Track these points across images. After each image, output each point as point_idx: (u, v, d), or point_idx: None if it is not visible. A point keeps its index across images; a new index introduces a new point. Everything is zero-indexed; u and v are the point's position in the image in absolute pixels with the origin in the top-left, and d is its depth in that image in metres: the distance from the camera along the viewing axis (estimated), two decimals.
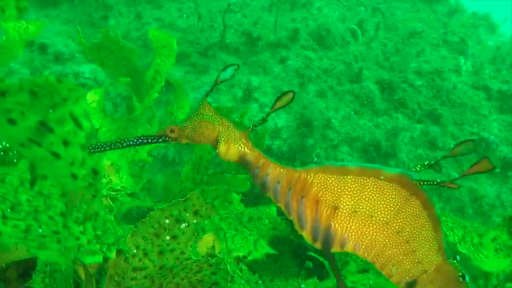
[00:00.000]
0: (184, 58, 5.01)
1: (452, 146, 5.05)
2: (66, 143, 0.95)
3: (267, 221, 2.23)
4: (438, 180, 1.56)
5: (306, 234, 1.67)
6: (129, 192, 2.61)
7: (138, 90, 3.22)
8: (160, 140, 1.69)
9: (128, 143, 1.68)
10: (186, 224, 1.66)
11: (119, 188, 2.57)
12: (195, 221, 1.70)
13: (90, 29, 5.44)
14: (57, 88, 0.88)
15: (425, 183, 1.57)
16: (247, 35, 5.07)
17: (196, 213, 1.66)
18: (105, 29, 3.13)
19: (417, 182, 1.56)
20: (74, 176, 1.02)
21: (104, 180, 2.61)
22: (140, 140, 1.69)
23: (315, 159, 4.49)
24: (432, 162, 1.60)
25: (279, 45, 5.07)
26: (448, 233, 2.22)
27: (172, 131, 1.69)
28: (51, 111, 0.92)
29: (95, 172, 1.03)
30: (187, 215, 1.67)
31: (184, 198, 1.60)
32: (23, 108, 0.90)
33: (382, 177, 1.53)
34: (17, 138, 0.93)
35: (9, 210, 1.31)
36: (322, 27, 5.12)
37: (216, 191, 2.21)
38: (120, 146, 1.66)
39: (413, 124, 4.88)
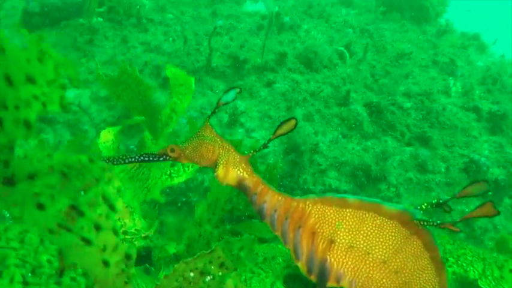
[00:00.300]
0: (168, 81, 5.00)
1: (442, 169, 5.05)
2: (98, 228, 0.91)
3: (280, 259, 2.21)
4: (438, 222, 1.54)
5: (302, 266, 1.66)
6: (143, 235, 2.60)
7: (153, 127, 3.24)
8: (161, 158, 1.72)
9: (129, 159, 1.69)
10: (211, 277, 1.62)
11: (133, 231, 2.55)
12: (220, 273, 1.66)
13: (76, 53, 5.45)
14: (90, 168, 0.85)
15: (426, 223, 1.54)
16: (234, 58, 5.09)
17: (221, 265, 1.62)
18: (124, 63, 3.16)
19: (419, 222, 1.53)
20: (106, 263, 0.96)
21: (118, 224, 2.62)
22: (142, 157, 1.71)
23: (303, 184, 4.47)
24: (441, 201, 1.55)
25: (266, 68, 5.08)
26: (468, 269, 2.19)
27: (172, 150, 1.72)
28: (82, 193, 0.88)
29: (128, 257, 0.99)
30: (213, 267, 1.63)
31: (209, 251, 1.57)
32: (52, 192, 0.86)
33: (382, 213, 1.52)
34: (45, 224, 0.88)
35: (29, 275, 1.24)
36: (310, 49, 5.14)
37: (241, 242, 2.18)
38: (122, 162, 1.68)
39: (403, 147, 4.88)
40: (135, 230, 2.54)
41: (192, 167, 2.93)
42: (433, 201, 1.57)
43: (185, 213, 4.10)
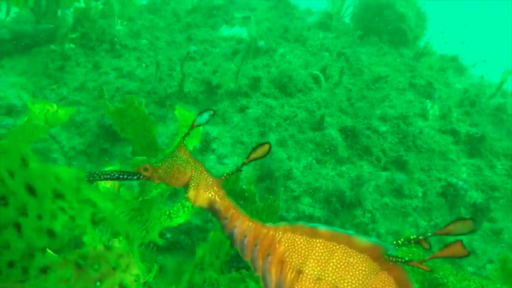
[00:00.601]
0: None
1: (419, 194, 5.03)
2: None
3: None
4: (406, 258, 1.50)
5: None
6: (142, 281, 2.56)
7: None
8: (135, 177, 1.71)
9: (104, 176, 1.69)
10: None
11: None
12: None
13: (46, 81, 5.43)
14: (106, 257, 0.82)
15: (394, 259, 1.51)
16: (207, 83, 5.09)
17: None
18: (131, 96, 3.14)
19: (389, 257, 1.49)
20: None
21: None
22: (116, 175, 1.70)
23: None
24: (420, 237, 1.52)
25: (239, 93, 5.09)
26: None
27: (146, 169, 1.71)
28: (98, 284, 0.84)
29: None
30: None
31: None
32: (66, 286, 0.82)
33: (353, 246, 1.49)
34: None
35: None
36: (284, 73, 5.16)
37: None
38: (97, 178, 1.67)
39: (379, 172, 4.87)
40: (135, 275, 2.52)
41: (191, 207, 2.91)
42: (412, 237, 1.53)
43: (184, 255, 4.04)
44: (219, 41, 6.00)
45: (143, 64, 5.56)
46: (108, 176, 1.69)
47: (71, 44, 5.73)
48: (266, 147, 1.67)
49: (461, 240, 1.40)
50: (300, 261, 1.56)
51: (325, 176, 4.64)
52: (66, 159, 4.86)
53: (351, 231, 1.50)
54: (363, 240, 1.47)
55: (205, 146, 4.67)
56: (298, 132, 4.85)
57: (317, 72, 5.37)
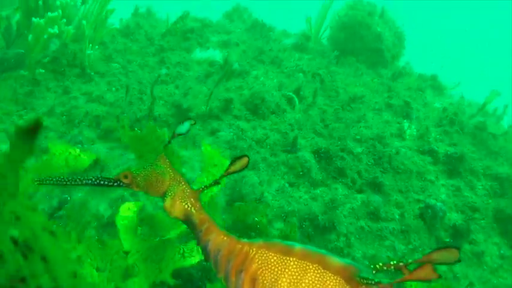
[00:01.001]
0: (109, 133, 4.95)
1: (397, 216, 4.97)
2: None
3: None
4: (376, 280, 1.48)
5: None
6: None
7: None
8: (116, 184, 1.78)
9: (81, 182, 1.74)
10: None
11: None
12: None
13: (14, 106, 5.39)
14: None
15: (366, 281, 1.48)
16: (177, 106, 5.07)
17: None
18: (153, 124, 3.11)
19: (361, 279, 1.48)
20: None
21: None
22: (97, 181, 1.77)
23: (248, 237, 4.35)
24: (401, 264, 1.47)
25: (211, 116, 5.07)
26: None
27: (126, 177, 1.78)
28: None
29: None
30: None
31: None
32: None
33: (326, 266, 1.49)
34: None
35: None
36: (256, 95, 5.15)
37: None
38: (79, 183, 1.73)
39: (354, 194, 4.82)
40: None
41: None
42: (392, 262, 1.50)
43: None
44: (192, 64, 6.01)
45: (113, 88, 5.54)
46: (90, 182, 1.75)
47: (40, 69, 5.71)
48: (245, 160, 1.74)
49: (431, 264, 1.37)
50: (273, 279, 1.55)
51: (298, 199, 4.59)
52: None
53: (324, 251, 1.51)
54: (336, 261, 1.48)
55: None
56: (270, 155, 4.82)
57: (291, 94, 5.37)
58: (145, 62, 5.98)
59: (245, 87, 5.45)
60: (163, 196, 1.79)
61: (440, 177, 5.39)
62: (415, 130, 5.57)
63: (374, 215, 4.74)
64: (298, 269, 1.52)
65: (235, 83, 5.54)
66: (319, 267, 1.50)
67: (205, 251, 1.73)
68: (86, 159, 3.02)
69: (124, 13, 7.24)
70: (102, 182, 1.77)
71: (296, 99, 5.32)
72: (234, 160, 1.73)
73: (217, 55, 6.00)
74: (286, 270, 1.53)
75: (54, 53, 5.81)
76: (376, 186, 4.91)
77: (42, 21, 5.53)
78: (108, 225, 4.08)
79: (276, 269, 1.55)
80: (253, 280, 1.59)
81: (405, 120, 5.67)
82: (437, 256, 1.40)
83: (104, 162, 4.59)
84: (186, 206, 1.75)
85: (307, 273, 1.51)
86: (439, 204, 4.97)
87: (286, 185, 4.68)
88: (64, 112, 5.21)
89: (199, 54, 6.09)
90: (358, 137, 5.19)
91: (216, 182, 1.78)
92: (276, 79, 5.75)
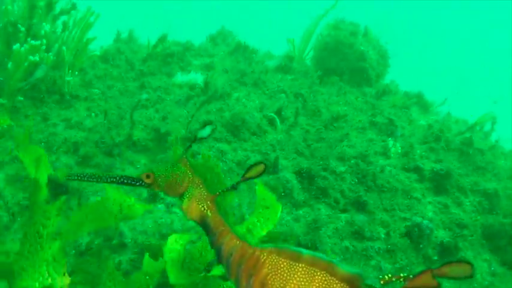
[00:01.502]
0: (88, 159, 4.98)
1: (382, 235, 4.99)
2: None
3: None
4: None
5: None
6: None
7: None
8: (138, 183, 1.86)
9: (106, 179, 1.84)
10: None
11: None
12: None
13: None
14: None
15: None
16: (156, 130, 5.12)
17: None
18: (208, 154, 3.14)
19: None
20: None
21: None
22: (120, 179, 1.85)
23: None
24: (411, 276, 1.50)
25: (191, 139, 5.09)
26: None
27: (148, 177, 1.86)
28: None
29: None
30: None
31: None
32: None
33: (334, 274, 1.54)
34: None
35: None
36: (237, 117, 5.21)
37: None
38: (98, 180, 1.83)
39: (337, 214, 4.84)
40: None
41: None
42: (403, 274, 1.53)
43: None
44: (173, 88, 6.08)
45: (93, 114, 5.59)
46: (114, 180, 1.84)
47: (19, 97, 5.76)
48: (261, 167, 1.81)
49: (432, 270, 1.40)
50: (281, 284, 1.61)
51: (280, 221, 4.59)
52: (9, 215, 4.79)
53: (332, 259, 1.57)
54: (344, 269, 1.53)
55: (153, 194, 4.63)
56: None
57: (272, 114, 5.43)
58: (125, 87, 6.05)
59: (226, 109, 5.51)
60: (180, 197, 1.88)
61: (426, 195, 5.41)
62: (400, 148, 5.61)
63: (359, 235, 4.74)
64: (306, 275, 1.57)
65: (216, 106, 5.60)
66: (327, 274, 1.55)
67: (218, 254, 1.80)
68: (140, 208, 3.08)
69: (108, 38, 7.36)
70: (125, 181, 1.86)
71: (277, 120, 5.37)
72: (250, 166, 1.80)
73: (198, 78, 6.08)
74: (295, 276, 1.58)
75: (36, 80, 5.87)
76: (360, 205, 4.93)
77: (22, 49, 5.61)
78: (86, 253, 4.08)
79: (285, 275, 1.60)
80: (263, 285, 1.65)
81: (390, 138, 5.72)
82: (448, 270, 1.41)
83: (83, 188, 4.61)
84: (203, 209, 1.83)
85: (314, 280, 1.56)
86: (425, 222, 4.98)
87: None
88: (42, 139, 5.25)
89: (180, 78, 6.17)
90: (341, 156, 5.23)
91: (233, 187, 1.86)
92: (258, 100, 5.82)
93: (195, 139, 1.94)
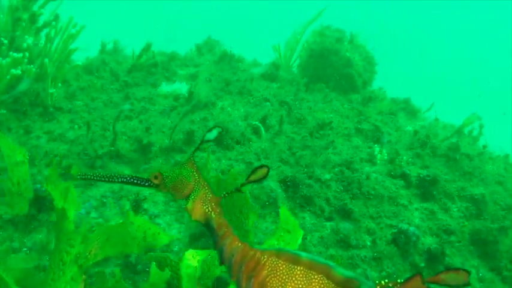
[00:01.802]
0: (70, 172, 4.97)
1: (368, 243, 4.99)
2: None
3: None
4: None
5: None
6: None
7: None
8: (147, 184, 1.92)
9: (116, 179, 1.90)
10: None
11: None
12: None
13: None
14: None
15: None
16: (139, 141, 5.12)
17: None
18: (236, 171, 3.15)
19: None
20: None
21: None
22: (128, 179, 1.92)
23: None
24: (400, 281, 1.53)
25: (174, 149, 5.12)
26: None
27: (156, 177, 1.91)
28: None
29: None
30: None
31: None
32: None
33: (331, 277, 1.59)
34: None
35: None
36: (220, 126, 5.21)
37: None
38: (108, 180, 1.89)
39: (323, 222, 4.84)
40: None
41: None
42: (399, 280, 1.58)
43: None
44: (158, 98, 6.10)
45: (76, 126, 5.60)
46: (124, 180, 1.92)
47: (2, 110, 5.77)
48: (264, 170, 1.87)
49: (421, 275, 1.44)
50: (280, 286, 1.66)
51: (264, 230, 4.59)
52: None
53: (330, 263, 1.62)
54: (340, 273, 1.57)
55: (136, 206, 4.63)
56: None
57: (256, 123, 5.44)
58: (109, 99, 6.06)
59: (210, 119, 5.53)
60: (186, 199, 1.91)
61: (413, 201, 5.42)
62: (386, 154, 5.63)
63: (344, 243, 4.75)
64: (303, 279, 1.61)
65: (201, 115, 5.62)
66: (324, 277, 1.59)
67: (220, 255, 1.84)
68: (165, 238, 3.10)
69: (94, 50, 7.38)
70: (135, 181, 1.93)
71: (262, 128, 5.39)
72: (254, 169, 1.85)
73: (183, 88, 6.10)
74: (293, 278, 1.63)
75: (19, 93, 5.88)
76: (345, 213, 4.94)
77: (4, 62, 5.63)
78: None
79: (284, 277, 1.65)
80: (262, 286, 1.70)
81: (376, 145, 5.74)
82: (445, 277, 1.46)
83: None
84: (207, 210, 1.88)
85: (311, 283, 1.60)
86: (411, 228, 4.99)
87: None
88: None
89: (165, 88, 6.19)
90: (326, 163, 5.24)
91: (238, 190, 1.91)
92: (242, 109, 5.84)
93: (202, 141, 1.99)
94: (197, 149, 2.01)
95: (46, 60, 5.62)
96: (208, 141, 1.99)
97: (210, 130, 1.98)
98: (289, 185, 4.93)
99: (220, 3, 29.97)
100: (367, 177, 5.27)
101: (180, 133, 5.25)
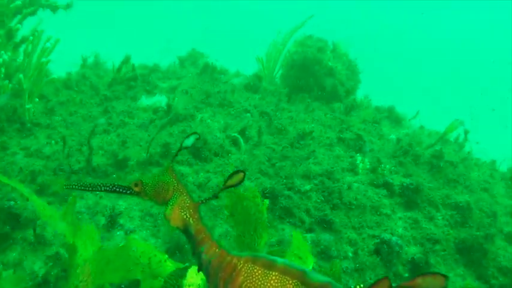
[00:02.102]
0: (46, 188, 4.90)
1: (350, 254, 4.91)
2: None
3: None
4: None
5: None
6: None
7: None
8: (128, 192, 1.96)
9: (99, 188, 1.96)
10: None
11: None
12: None
13: None
14: None
15: None
16: (116, 155, 5.06)
17: None
18: (254, 189, 3.10)
19: None
20: None
21: None
22: (111, 188, 1.98)
23: None
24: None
25: (151, 162, 5.05)
26: None
27: (136, 185, 1.97)
28: None
29: None
30: None
31: None
32: None
33: (305, 283, 1.60)
34: None
35: None
36: (197, 133, 5.15)
37: None
38: (92, 189, 1.95)
39: (303, 234, 4.76)
40: None
41: None
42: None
43: None
44: (137, 111, 6.04)
45: (53, 141, 5.53)
46: (107, 188, 1.98)
47: None
48: (241, 175, 1.96)
49: (388, 278, 1.40)
50: None
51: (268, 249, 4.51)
52: None
53: (304, 268, 1.64)
54: (314, 278, 1.58)
55: (111, 222, 4.55)
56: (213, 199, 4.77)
57: (235, 134, 5.38)
58: (88, 113, 6.00)
59: (188, 131, 5.46)
60: (165, 205, 1.96)
61: (396, 210, 5.35)
62: (368, 163, 5.57)
63: (325, 254, 4.67)
64: (278, 284, 1.63)
65: (179, 128, 5.56)
66: (298, 282, 1.60)
67: (198, 262, 1.87)
68: (171, 266, 3.05)
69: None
70: (117, 189, 1.99)
71: (241, 140, 5.33)
72: (230, 175, 1.94)
73: (163, 101, 6.05)
74: (268, 284, 1.65)
75: None
76: (326, 224, 4.86)
77: None
78: (44, 283, 3.99)
79: (259, 283, 1.67)
80: None
81: (358, 154, 5.68)
82: (422, 282, 1.45)
83: (36, 218, 4.53)
84: (185, 216, 1.92)
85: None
86: (394, 238, 4.91)
87: (230, 229, 4.61)
88: (0, 169, 5.17)
89: (145, 101, 6.14)
90: (306, 174, 5.17)
91: (215, 196, 2.02)
92: (222, 121, 5.78)
93: (180, 148, 2.03)
94: (176, 155, 2.06)
95: (21, 75, 5.56)
96: (186, 147, 2.04)
97: (187, 137, 2.04)
98: (268, 196, 4.85)
99: (217, 15, 30.13)
100: (349, 187, 5.20)
101: (158, 146, 5.19)
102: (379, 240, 4.90)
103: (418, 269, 4.85)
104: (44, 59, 5.43)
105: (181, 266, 3.15)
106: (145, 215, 4.67)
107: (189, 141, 2.06)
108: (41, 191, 4.92)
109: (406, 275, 4.84)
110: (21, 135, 5.70)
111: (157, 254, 3.00)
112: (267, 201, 3.16)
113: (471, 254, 5.20)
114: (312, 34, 7.17)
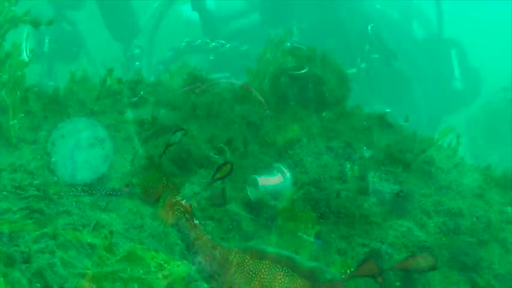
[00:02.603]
0: (31, 204, 4.85)
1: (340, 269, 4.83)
2: None
3: None
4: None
5: None
6: None
7: None
8: (119, 193, 2.03)
9: (101, 192, 1.99)
10: None
11: None
12: None
13: None
14: None
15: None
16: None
17: None
18: None
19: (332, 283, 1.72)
20: None
21: None
22: (104, 192, 2.02)
23: None
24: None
25: (135, 175, 4.99)
26: None
27: (127, 186, 1.99)
28: None
29: None
30: None
31: None
32: None
33: (295, 269, 1.76)
34: None
35: None
36: (182, 149, 5.10)
37: None
38: (89, 194, 1.95)
39: None
40: None
41: None
42: None
43: None
44: (123, 125, 6.01)
45: (38, 156, 5.49)
46: (100, 193, 1.98)
47: None
48: (228, 166, 2.11)
49: (372, 259, 1.62)
50: (246, 281, 1.78)
51: None
52: None
53: (294, 255, 1.75)
54: (304, 265, 1.69)
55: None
56: (196, 210, 4.71)
57: (221, 145, 5.34)
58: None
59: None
60: (157, 202, 1.98)
61: (387, 218, 5.28)
62: (357, 171, 5.51)
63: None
64: (269, 273, 1.71)
65: (165, 139, 5.51)
66: (289, 270, 1.71)
67: (193, 258, 1.95)
68: (183, 271, 2.98)
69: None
70: (109, 192, 2.07)
71: (227, 150, 5.28)
72: (219, 167, 2.23)
73: (149, 113, 6.01)
74: (259, 273, 1.72)
75: None
76: (314, 234, 4.80)
77: None
78: None
79: (250, 272, 1.75)
80: (231, 284, 1.81)
81: (347, 162, 5.62)
82: (412, 262, 1.53)
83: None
84: (177, 214, 1.84)
85: (277, 277, 1.71)
86: (384, 247, 4.85)
87: (217, 240, 4.55)
88: None
89: (131, 114, 6.11)
90: (293, 183, 5.12)
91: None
92: (208, 132, 5.74)
93: (168, 145, 2.32)
94: (163, 153, 2.35)
95: (3, 92, 5.54)
96: (174, 143, 2.40)
97: (174, 133, 2.43)
98: (253, 207, 4.80)
99: None
100: (337, 196, 5.13)
101: (142, 159, 5.14)
102: (368, 248, 4.83)
103: (410, 277, 4.76)
104: (19, 73, 5.40)
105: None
106: (131, 228, 4.61)
107: (177, 137, 2.31)
108: (26, 208, 4.87)
109: (398, 284, 4.75)
110: (6, 150, 5.66)
111: (167, 266, 2.89)
112: None
113: (465, 262, 5.12)
114: (300, 42, 7.15)
